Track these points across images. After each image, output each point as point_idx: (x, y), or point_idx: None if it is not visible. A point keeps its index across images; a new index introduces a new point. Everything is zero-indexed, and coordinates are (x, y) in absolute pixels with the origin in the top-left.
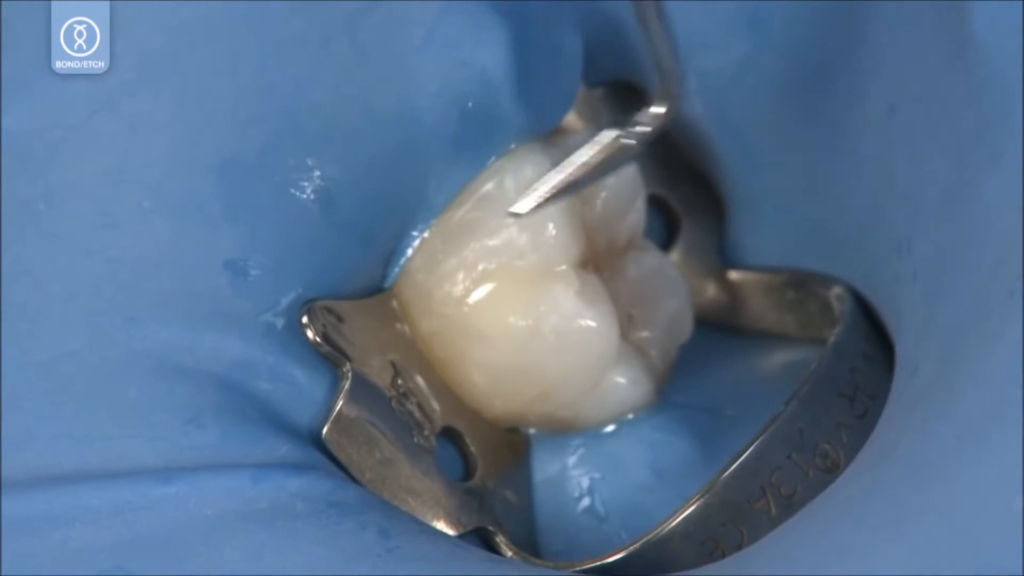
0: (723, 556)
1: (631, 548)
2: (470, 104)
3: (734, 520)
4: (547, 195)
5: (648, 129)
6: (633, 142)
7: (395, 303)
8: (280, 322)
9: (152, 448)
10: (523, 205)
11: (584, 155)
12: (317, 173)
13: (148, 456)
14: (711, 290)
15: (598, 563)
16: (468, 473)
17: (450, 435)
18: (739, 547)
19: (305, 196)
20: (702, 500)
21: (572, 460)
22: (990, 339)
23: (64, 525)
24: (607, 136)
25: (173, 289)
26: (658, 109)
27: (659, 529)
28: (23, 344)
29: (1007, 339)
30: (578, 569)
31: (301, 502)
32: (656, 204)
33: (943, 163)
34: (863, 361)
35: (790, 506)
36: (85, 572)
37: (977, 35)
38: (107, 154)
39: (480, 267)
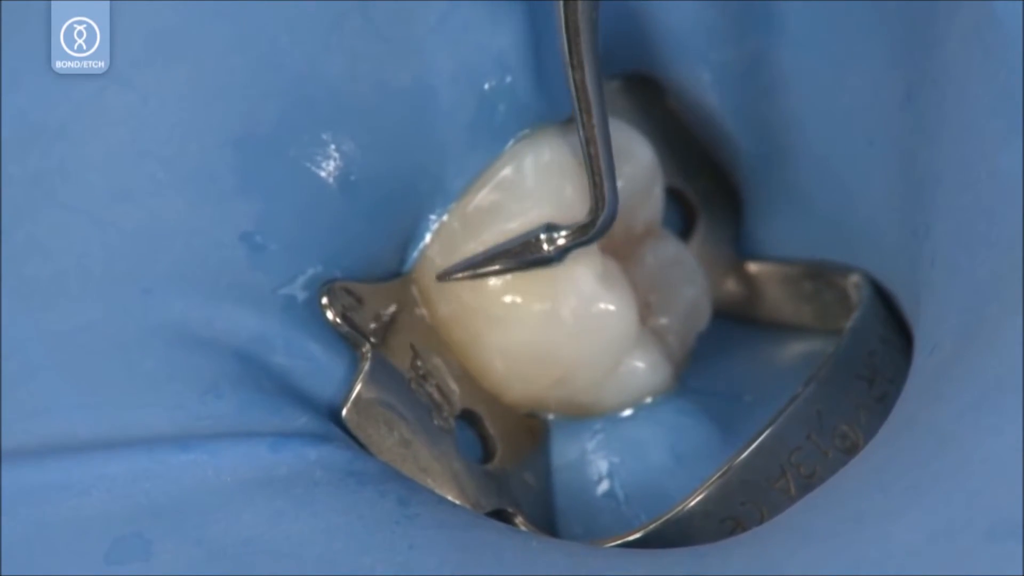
0: None
1: (651, 527)
2: (486, 87)
3: (754, 500)
4: (465, 268)
5: (566, 242)
6: (550, 249)
7: (414, 288)
8: (298, 298)
9: (169, 417)
10: (444, 272)
11: (510, 244)
12: (332, 149)
13: (165, 425)
14: (728, 282)
15: (618, 542)
16: (487, 456)
17: (469, 419)
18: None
19: (321, 173)
20: (722, 479)
21: (591, 444)
22: (1007, 310)
23: (81, 493)
24: (536, 233)
25: (188, 261)
26: (579, 232)
27: (679, 508)
28: (39, 316)
29: None
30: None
31: (320, 470)
32: (673, 197)
33: (960, 143)
34: (881, 345)
35: (809, 486)
36: (102, 539)
37: (996, 11)
38: (120, 126)
39: None
